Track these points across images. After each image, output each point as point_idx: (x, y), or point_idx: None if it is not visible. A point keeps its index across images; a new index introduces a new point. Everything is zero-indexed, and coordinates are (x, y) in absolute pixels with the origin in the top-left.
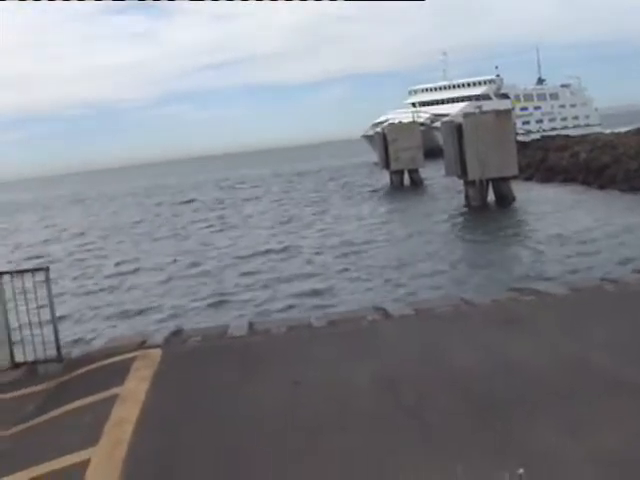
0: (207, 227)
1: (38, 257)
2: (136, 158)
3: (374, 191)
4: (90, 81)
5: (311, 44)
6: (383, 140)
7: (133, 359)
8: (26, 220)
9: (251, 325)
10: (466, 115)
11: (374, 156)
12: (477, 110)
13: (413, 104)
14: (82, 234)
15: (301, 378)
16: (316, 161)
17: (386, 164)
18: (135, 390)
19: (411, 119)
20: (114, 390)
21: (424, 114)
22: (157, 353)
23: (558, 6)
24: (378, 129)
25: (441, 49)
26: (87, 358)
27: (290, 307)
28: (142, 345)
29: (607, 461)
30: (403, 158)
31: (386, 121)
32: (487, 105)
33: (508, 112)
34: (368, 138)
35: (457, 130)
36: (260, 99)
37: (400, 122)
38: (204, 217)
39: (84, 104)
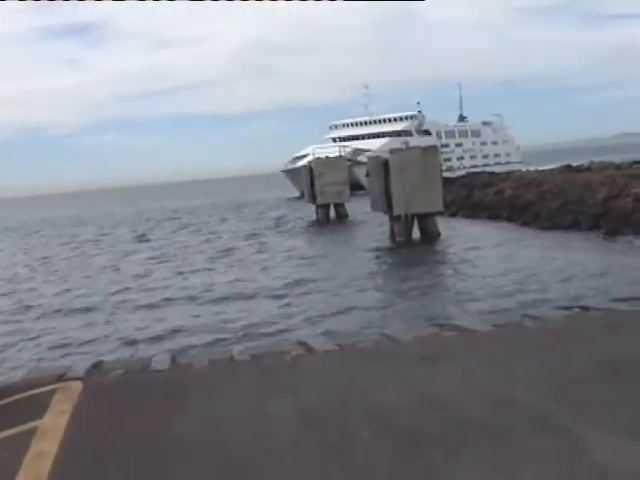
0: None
1: None
2: (64, 185)
3: (299, 225)
4: (18, 106)
5: (247, 74)
6: (309, 174)
7: (53, 392)
8: None
9: (173, 358)
10: (392, 151)
11: (294, 191)
12: (404, 146)
13: (334, 139)
14: None
15: (225, 412)
16: (243, 194)
17: (312, 198)
18: (55, 424)
19: (331, 154)
20: (33, 423)
21: (345, 149)
22: (78, 386)
23: (483, 44)
24: (298, 163)
25: (370, 82)
26: (5, 390)
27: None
28: (62, 377)
29: None
30: (329, 192)
31: (305, 156)
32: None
33: (434, 148)
34: (288, 172)
35: (383, 165)
36: (193, 128)
37: (327, 157)
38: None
39: (12, 128)
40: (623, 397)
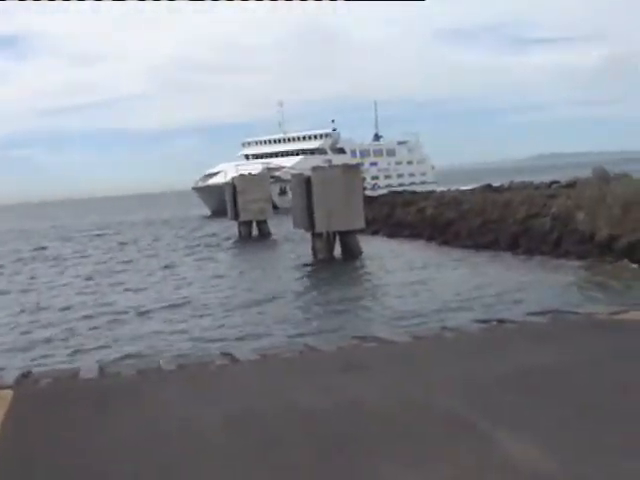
0: None
1: None
2: None
3: (222, 241)
4: None
5: (165, 91)
6: (232, 190)
7: None
8: None
9: (101, 368)
10: (315, 168)
11: (205, 208)
12: (326, 164)
13: (247, 156)
14: None
15: (153, 418)
16: (157, 211)
17: (235, 215)
18: None
19: (239, 172)
20: None
21: (257, 166)
22: (8, 394)
23: (403, 65)
24: (209, 181)
25: (288, 101)
26: None
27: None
28: None
29: None
30: (251, 209)
31: (217, 173)
32: (320, 160)
33: (356, 167)
34: (199, 190)
35: (305, 183)
36: (114, 145)
37: (250, 174)
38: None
39: None
40: (529, 401)
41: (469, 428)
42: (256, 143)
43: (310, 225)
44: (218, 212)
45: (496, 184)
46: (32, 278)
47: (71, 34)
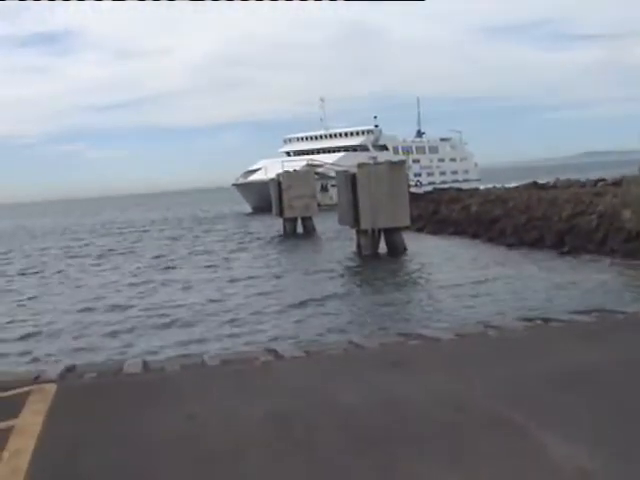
0: None
1: None
2: (24, 196)
3: (268, 238)
4: None
5: (214, 86)
6: (277, 187)
7: (28, 393)
8: None
9: (145, 363)
10: (360, 165)
11: (246, 206)
12: (371, 160)
13: (288, 153)
14: None
15: (196, 413)
16: (201, 207)
17: (280, 211)
18: (31, 422)
19: (285, 168)
20: (9, 422)
21: (299, 163)
22: (52, 388)
23: (446, 62)
24: (250, 178)
25: (331, 98)
26: None
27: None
28: (36, 380)
29: None
30: (297, 206)
31: (258, 170)
32: (365, 156)
33: (402, 163)
34: (239, 187)
35: (351, 180)
36: (159, 140)
37: (295, 170)
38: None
39: None
40: (573, 401)
41: (511, 427)
42: (297, 140)
43: (355, 222)
44: (258, 209)
45: (542, 181)
46: (83, 272)
47: (117, 31)
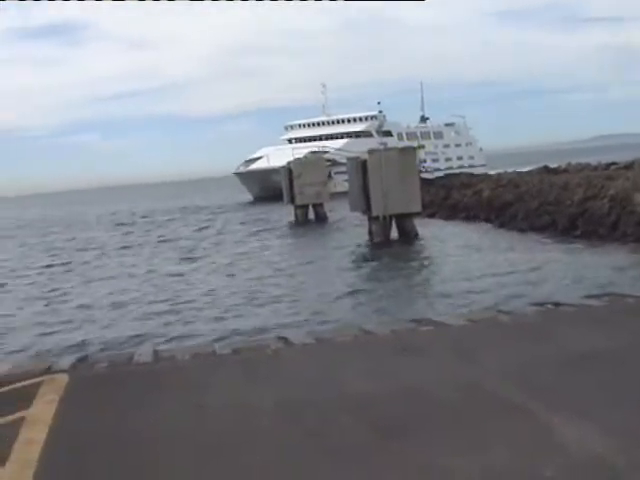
0: None
1: None
2: (37, 187)
3: (281, 226)
4: None
5: (225, 75)
6: (288, 174)
7: (40, 384)
8: None
9: (156, 352)
10: (371, 151)
11: (248, 195)
12: (382, 146)
13: (290, 140)
14: None
15: (206, 402)
16: (211, 195)
17: (291, 199)
18: (43, 413)
19: (286, 156)
20: (21, 413)
21: (302, 150)
22: (64, 378)
23: (453, 47)
24: (251, 166)
25: (336, 85)
26: None
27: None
28: (48, 370)
29: (498, 477)
30: (308, 193)
31: (259, 158)
32: (368, 143)
33: (412, 149)
34: (240, 175)
35: (362, 166)
36: (172, 130)
37: (305, 157)
38: None
39: None
40: (586, 385)
41: (525, 412)
42: (299, 126)
43: (366, 208)
44: (260, 198)
45: (553, 165)
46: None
47: (128, 22)
